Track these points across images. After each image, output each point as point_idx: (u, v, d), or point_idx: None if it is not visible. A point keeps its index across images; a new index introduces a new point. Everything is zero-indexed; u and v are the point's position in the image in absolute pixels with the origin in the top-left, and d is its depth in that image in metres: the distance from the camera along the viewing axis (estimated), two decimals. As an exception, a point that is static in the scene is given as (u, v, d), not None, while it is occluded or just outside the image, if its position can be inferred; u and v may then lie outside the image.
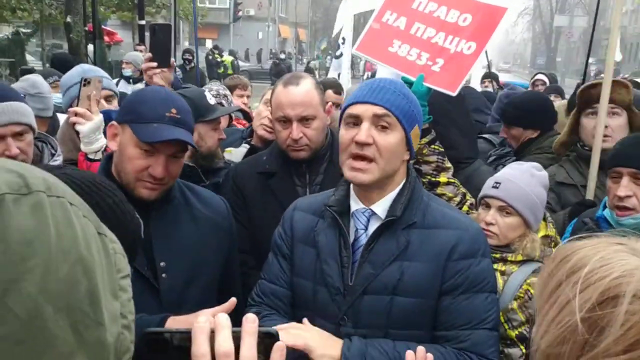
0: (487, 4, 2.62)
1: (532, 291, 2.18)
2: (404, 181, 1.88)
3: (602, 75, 3.07)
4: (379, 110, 1.77)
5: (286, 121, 2.43)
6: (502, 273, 2.25)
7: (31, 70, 11.16)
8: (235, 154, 3.12)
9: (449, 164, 2.57)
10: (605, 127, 2.75)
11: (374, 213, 1.85)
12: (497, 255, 2.27)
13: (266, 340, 0.85)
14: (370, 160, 1.77)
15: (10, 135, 2.21)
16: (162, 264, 1.94)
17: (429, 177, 2.56)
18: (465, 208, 2.52)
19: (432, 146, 2.54)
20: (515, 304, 2.18)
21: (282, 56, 23.85)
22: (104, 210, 1.41)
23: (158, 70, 2.58)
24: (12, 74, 17.26)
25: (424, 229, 1.82)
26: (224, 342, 0.81)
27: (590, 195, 2.74)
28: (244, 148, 3.19)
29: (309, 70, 27.39)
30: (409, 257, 1.79)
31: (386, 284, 1.79)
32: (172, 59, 2.69)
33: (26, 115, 2.28)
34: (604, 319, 0.87)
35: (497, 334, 1.85)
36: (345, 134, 1.82)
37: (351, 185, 1.91)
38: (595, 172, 2.72)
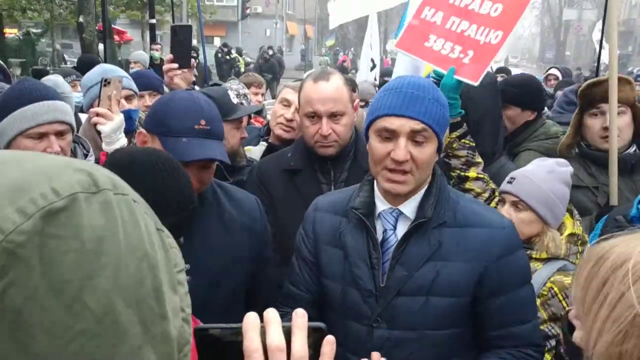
0: None
1: (555, 289, 2.18)
2: (429, 180, 1.85)
3: (595, 79, 2.99)
4: (417, 125, 1.71)
5: (315, 117, 2.42)
6: None
7: (43, 70, 11.22)
8: (254, 152, 3.13)
9: (479, 159, 2.55)
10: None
11: (401, 213, 1.83)
12: None
13: (315, 335, 0.86)
14: (407, 172, 1.75)
15: (52, 133, 2.24)
16: (186, 265, 1.93)
17: (458, 171, 2.55)
18: (493, 204, 2.50)
19: (463, 140, 2.52)
20: (537, 302, 2.18)
21: (271, 52, 23.33)
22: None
23: (179, 72, 2.59)
24: (23, 74, 17.37)
25: (456, 227, 1.80)
26: (276, 336, 0.82)
27: (614, 200, 2.68)
28: (262, 146, 3.21)
29: (343, 69, 27.04)
30: (443, 257, 1.77)
31: (421, 285, 1.77)
32: (193, 60, 2.70)
33: (68, 114, 2.31)
34: None
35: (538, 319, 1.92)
36: (379, 147, 1.76)
37: (375, 185, 1.89)
38: (615, 176, 2.66)
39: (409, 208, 1.82)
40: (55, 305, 0.51)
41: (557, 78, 7.63)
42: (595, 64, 5.92)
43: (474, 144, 2.55)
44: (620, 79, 2.73)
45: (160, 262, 0.62)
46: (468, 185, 2.51)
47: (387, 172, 1.76)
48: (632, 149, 2.79)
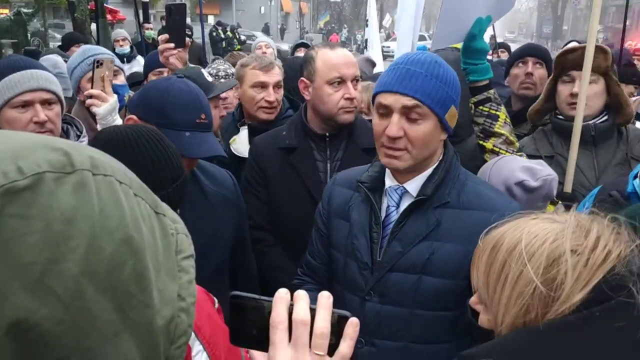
0: None
1: None
2: (440, 159, 1.83)
3: (570, 45, 2.98)
4: (408, 101, 1.70)
5: (340, 82, 2.44)
6: None
7: (35, 51, 11.07)
8: (240, 141, 3.05)
9: (502, 130, 2.41)
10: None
11: (406, 191, 1.83)
12: None
13: (340, 322, 0.88)
14: (402, 149, 1.74)
15: (38, 101, 2.20)
16: None
17: (477, 139, 2.47)
18: None
19: (481, 107, 2.41)
20: None
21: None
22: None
23: (175, 52, 2.54)
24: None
25: (458, 209, 1.77)
26: (302, 311, 0.86)
27: (568, 185, 2.61)
28: (244, 131, 3.13)
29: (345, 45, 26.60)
30: (439, 237, 1.76)
31: (414, 262, 1.77)
32: (188, 39, 2.64)
33: (54, 84, 2.27)
34: (557, 276, 1.07)
35: None
36: (377, 123, 1.78)
37: None
38: (576, 151, 2.58)
39: (413, 186, 1.83)
40: (15, 288, 0.49)
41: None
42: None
43: (496, 113, 2.41)
44: (596, 47, 2.64)
45: (147, 247, 0.59)
46: (486, 156, 2.42)
47: (384, 148, 1.77)
48: (600, 120, 2.72)
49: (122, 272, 0.56)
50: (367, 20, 7.78)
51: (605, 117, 2.72)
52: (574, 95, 2.67)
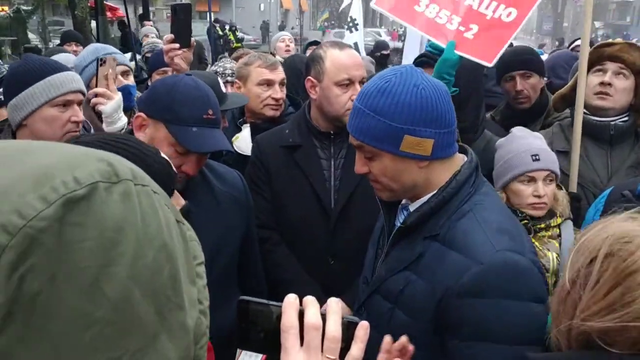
0: None
1: None
2: (441, 185, 1.63)
3: (609, 40, 2.92)
4: (354, 141, 1.63)
5: (349, 84, 2.41)
6: (550, 237, 2.35)
7: (34, 49, 11.07)
8: (243, 139, 3.05)
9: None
10: (609, 85, 2.65)
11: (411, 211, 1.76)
12: (543, 226, 2.35)
13: (350, 327, 0.89)
14: (376, 182, 1.68)
15: (76, 102, 2.26)
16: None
17: None
18: None
19: None
20: None
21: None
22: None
23: (180, 52, 2.52)
24: (14, 52, 17.10)
25: (442, 245, 1.57)
26: (313, 316, 0.87)
27: (573, 183, 2.61)
28: (246, 128, 3.12)
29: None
30: (417, 271, 1.59)
31: (391, 291, 1.64)
32: (193, 39, 2.62)
33: (84, 86, 2.35)
34: (585, 277, 1.05)
35: None
36: None
37: None
38: (578, 151, 2.59)
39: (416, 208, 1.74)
40: (72, 292, 0.52)
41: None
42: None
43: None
44: (632, 45, 2.71)
45: (178, 254, 0.63)
46: None
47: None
48: (621, 119, 2.71)
49: (161, 277, 0.59)
50: (356, 24, 7.21)
51: (627, 118, 2.71)
52: (604, 84, 2.67)
